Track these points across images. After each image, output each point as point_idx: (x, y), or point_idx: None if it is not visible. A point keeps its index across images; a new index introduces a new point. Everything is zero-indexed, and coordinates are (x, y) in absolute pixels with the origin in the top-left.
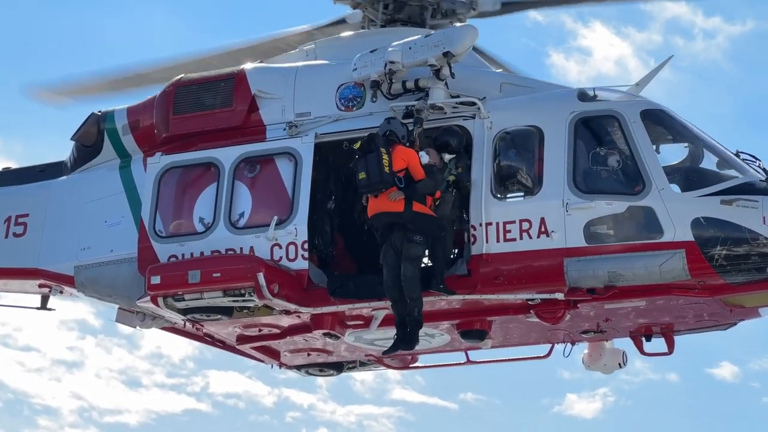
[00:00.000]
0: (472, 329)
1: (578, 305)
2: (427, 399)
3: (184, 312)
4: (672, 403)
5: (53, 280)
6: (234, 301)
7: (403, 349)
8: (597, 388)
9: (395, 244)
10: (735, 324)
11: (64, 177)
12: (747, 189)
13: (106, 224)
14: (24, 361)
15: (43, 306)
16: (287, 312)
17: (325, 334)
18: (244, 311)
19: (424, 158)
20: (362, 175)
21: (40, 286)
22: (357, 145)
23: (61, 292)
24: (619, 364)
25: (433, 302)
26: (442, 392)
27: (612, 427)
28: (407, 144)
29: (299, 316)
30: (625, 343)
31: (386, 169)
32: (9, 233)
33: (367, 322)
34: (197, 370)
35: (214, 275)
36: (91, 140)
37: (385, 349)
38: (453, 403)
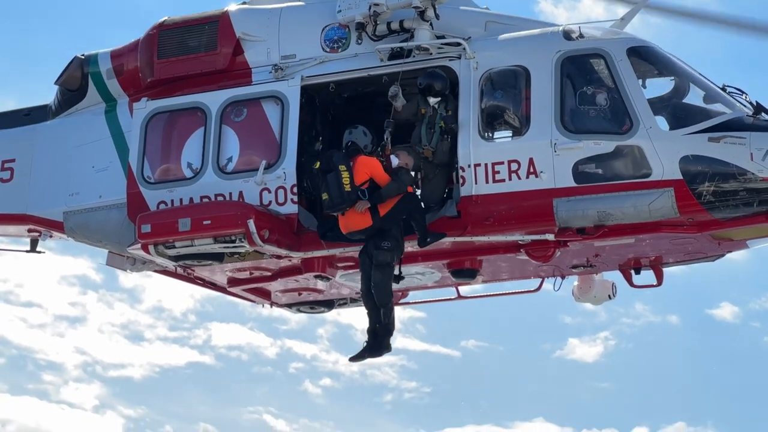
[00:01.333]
0: (463, 268)
1: (568, 244)
2: (429, 347)
3: (175, 259)
4: (673, 345)
5: (42, 226)
6: (225, 247)
7: (370, 356)
8: (598, 332)
9: (369, 252)
10: (723, 255)
11: (49, 121)
12: (734, 125)
13: (93, 170)
14: (26, 317)
15: (33, 249)
16: (278, 257)
17: (316, 277)
18: (235, 256)
19: (394, 161)
20: (325, 196)
21: (29, 231)
22: (316, 165)
23: (51, 237)
24: (609, 295)
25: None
26: (444, 340)
27: (613, 370)
28: (373, 150)
29: (290, 260)
30: (615, 276)
31: (347, 188)
32: None
33: (357, 264)
34: (199, 323)
35: (205, 223)
36: (75, 84)
37: None
38: (455, 351)
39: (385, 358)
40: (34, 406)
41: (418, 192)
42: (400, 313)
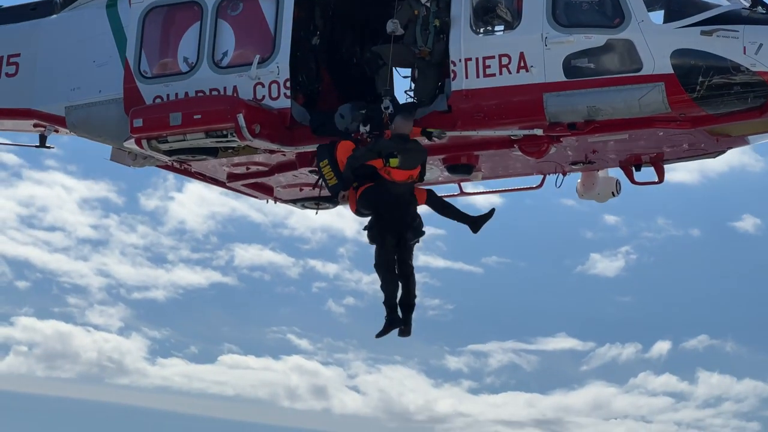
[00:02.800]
0: (459, 164)
1: (561, 139)
2: (451, 264)
3: (168, 153)
4: (695, 258)
5: (46, 120)
6: (216, 142)
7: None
8: (619, 247)
9: None
10: (724, 152)
11: (54, 15)
12: (728, 18)
13: (94, 64)
14: (50, 241)
15: (42, 144)
16: (271, 152)
17: (311, 171)
18: (229, 151)
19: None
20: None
21: (35, 126)
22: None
23: (56, 132)
24: (613, 192)
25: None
26: (466, 257)
27: (635, 284)
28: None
29: (284, 155)
30: (616, 173)
31: (331, 182)
32: (1, 74)
33: None
34: (221, 245)
35: (195, 117)
36: None
37: None
38: (478, 267)
39: None
40: (61, 329)
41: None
42: None
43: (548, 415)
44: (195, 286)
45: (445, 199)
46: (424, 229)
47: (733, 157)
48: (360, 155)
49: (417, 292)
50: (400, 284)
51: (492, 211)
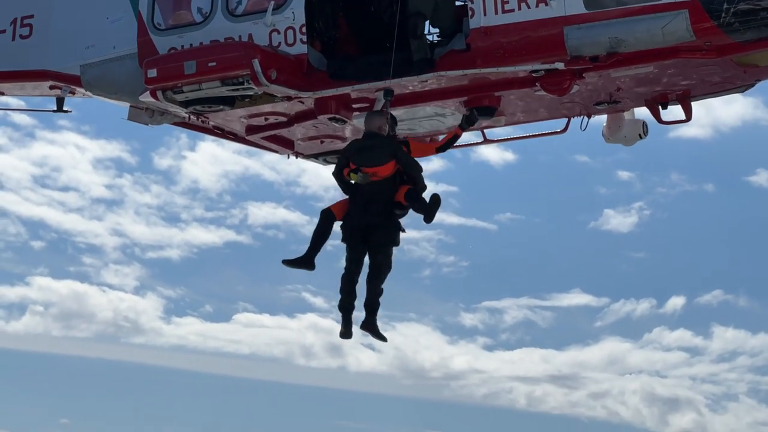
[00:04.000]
0: (481, 106)
1: (584, 75)
2: (465, 221)
3: (185, 104)
4: (708, 213)
5: (62, 81)
6: (233, 90)
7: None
8: (633, 202)
9: None
10: (753, 85)
11: None
12: None
13: (108, 21)
14: (64, 201)
15: (59, 108)
16: (288, 98)
17: (331, 119)
18: (246, 100)
19: None
20: None
21: (51, 87)
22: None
23: (73, 93)
24: (639, 135)
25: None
26: (480, 213)
27: (649, 240)
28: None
29: (302, 102)
30: (643, 114)
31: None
32: (16, 36)
33: (372, 104)
34: (235, 203)
35: (210, 65)
36: None
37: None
38: (492, 224)
39: (422, 233)
40: (76, 289)
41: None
42: (431, 180)
43: (563, 371)
44: (209, 245)
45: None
46: (400, 228)
47: (746, 110)
48: (336, 165)
49: (432, 248)
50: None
51: (437, 198)
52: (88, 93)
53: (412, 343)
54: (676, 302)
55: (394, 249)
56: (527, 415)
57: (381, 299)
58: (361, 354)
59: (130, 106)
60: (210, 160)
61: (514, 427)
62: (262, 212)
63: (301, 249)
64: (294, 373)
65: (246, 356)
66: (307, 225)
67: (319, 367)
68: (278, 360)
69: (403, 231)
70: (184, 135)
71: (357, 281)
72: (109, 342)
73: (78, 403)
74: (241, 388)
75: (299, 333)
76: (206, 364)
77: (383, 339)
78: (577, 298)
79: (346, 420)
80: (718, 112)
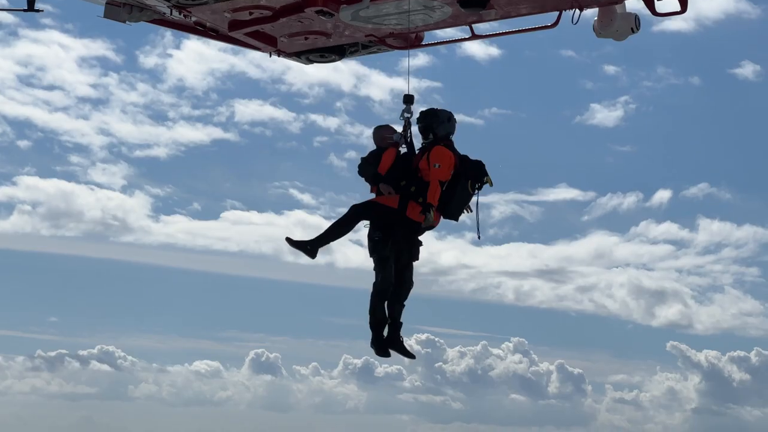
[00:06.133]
0: None
1: None
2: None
3: None
4: (694, 106)
5: None
6: None
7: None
8: (618, 96)
9: None
10: None
11: None
12: None
13: None
14: (49, 100)
15: (30, 7)
16: None
17: (318, 12)
18: None
19: None
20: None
21: None
22: None
23: None
24: (632, 29)
25: None
26: (466, 109)
27: (635, 134)
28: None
29: None
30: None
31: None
32: None
33: None
34: (221, 101)
35: None
36: None
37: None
38: (478, 119)
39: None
40: (64, 188)
41: None
42: (415, 77)
43: (551, 265)
44: (196, 143)
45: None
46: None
47: (728, 4)
48: None
49: None
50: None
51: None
52: None
53: None
54: (663, 195)
55: None
56: (515, 310)
57: None
58: (348, 250)
59: (107, 3)
60: (195, 58)
61: (502, 322)
62: (249, 110)
63: (288, 146)
64: (282, 269)
65: (235, 253)
66: (294, 122)
67: (307, 263)
68: (267, 257)
69: (421, 244)
70: (168, 33)
71: None
72: (98, 241)
73: (67, 301)
74: (230, 285)
75: (287, 229)
76: (195, 261)
77: (413, 356)
78: (563, 193)
79: (334, 316)
80: (700, 5)
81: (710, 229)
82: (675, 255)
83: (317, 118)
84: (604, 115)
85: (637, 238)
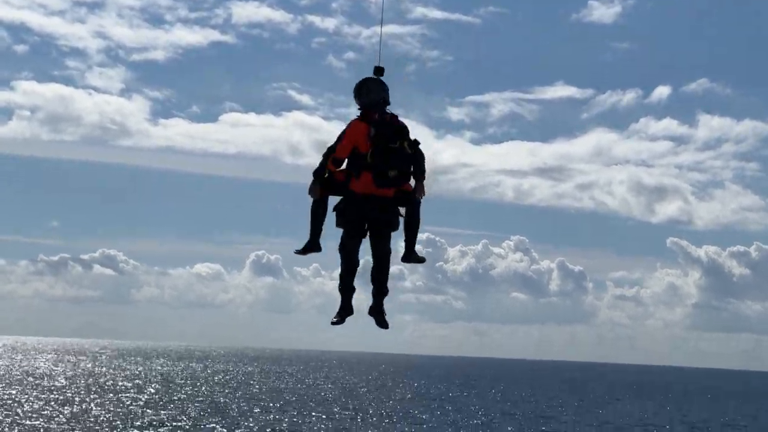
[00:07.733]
0: None
1: None
2: (449, 15)
3: None
4: (694, 2)
5: None
6: None
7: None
8: None
9: None
10: None
11: None
12: None
13: None
14: (45, 4)
15: None
16: None
17: None
18: None
19: None
20: None
21: None
22: None
23: None
24: None
25: None
26: (463, 7)
27: (634, 30)
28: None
29: None
30: None
31: None
32: None
33: None
34: (218, 3)
35: None
36: None
37: None
38: (475, 18)
39: (405, 28)
40: (62, 93)
41: None
42: None
43: (550, 163)
44: (194, 46)
45: None
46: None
47: None
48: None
49: (417, 43)
50: None
51: None
52: None
53: None
54: (662, 92)
55: None
56: (515, 208)
57: None
58: None
59: None
60: None
61: (502, 220)
62: (246, 11)
63: (287, 48)
64: (281, 171)
65: (234, 155)
66: (291, 23)
67: (306, 164)
68: (266, 158)
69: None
70: None
71: None
72: (97, 145)
73: (68, 206)
74: (230, 187)
75: (286, 131)
76: (195, 164)
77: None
78: (561, 91)
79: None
80: None
81: (710, 124)
82: (675, 151)
83: (315, 19)
84: (602, 12)
85: (636, 135)
